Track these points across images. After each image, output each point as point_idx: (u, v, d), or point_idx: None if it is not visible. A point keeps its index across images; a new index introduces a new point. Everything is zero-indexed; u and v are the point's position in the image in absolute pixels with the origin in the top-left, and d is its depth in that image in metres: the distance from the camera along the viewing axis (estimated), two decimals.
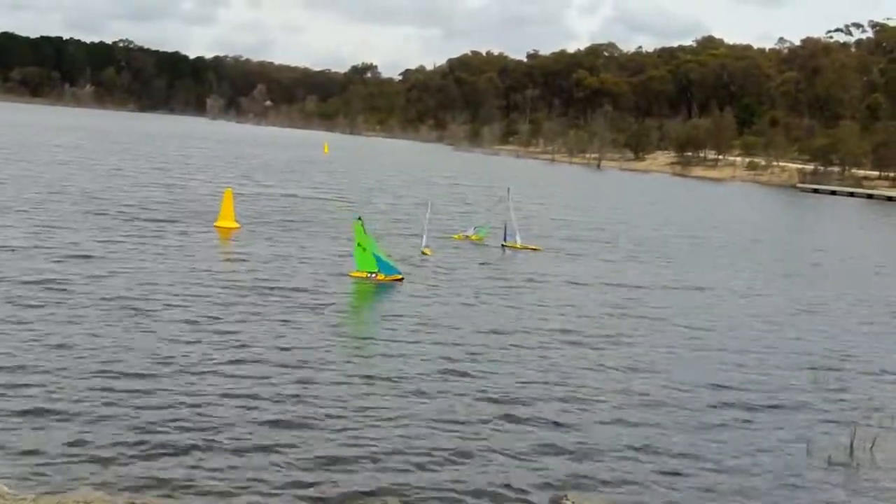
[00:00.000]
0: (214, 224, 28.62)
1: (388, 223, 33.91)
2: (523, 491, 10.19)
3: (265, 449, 10.60)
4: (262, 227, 29.49)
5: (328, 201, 40.48)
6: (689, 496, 10.46)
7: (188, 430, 10.94)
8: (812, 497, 10.78)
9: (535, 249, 29.56)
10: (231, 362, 13.80)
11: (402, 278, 21.67)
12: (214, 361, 13.75)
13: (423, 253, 26.56)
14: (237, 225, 28.68)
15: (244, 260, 23.06)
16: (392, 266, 21.88)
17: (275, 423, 11.43)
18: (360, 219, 22.05)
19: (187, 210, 32.15)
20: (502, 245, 29.84)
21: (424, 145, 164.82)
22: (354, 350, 15.28)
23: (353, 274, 21.76)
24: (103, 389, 12.02)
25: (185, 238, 25.58)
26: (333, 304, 18.70)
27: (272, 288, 19.51)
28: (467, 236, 30.92)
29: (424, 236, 27.42)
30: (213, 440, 10.70)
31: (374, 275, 21.51)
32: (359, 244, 21.69)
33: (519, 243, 29.93)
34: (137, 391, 12.07)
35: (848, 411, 14.09)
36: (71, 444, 10.25)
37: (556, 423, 12.34)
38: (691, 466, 11.26)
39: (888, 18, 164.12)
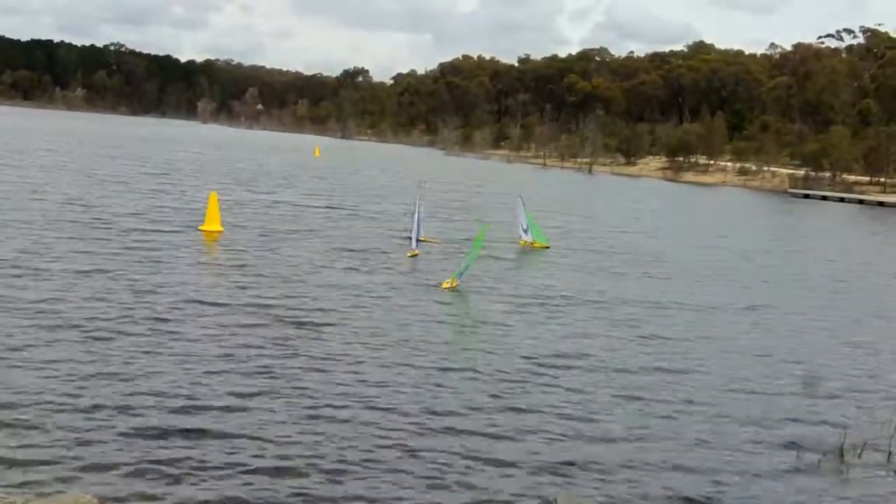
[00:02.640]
0: (199, 228, 28.52)
1: (376, 226, 33.91)
2: (516, 493, 10.23)
3: (249, 459, 10.56)
4: (248, 231, 29.40)
5: (314, 207, 40.23)
6: (678, 500, 10.43)
7: (179, 436, 10.94)
8: (802, 501, 10.75)
9: (433, 242, 29.39)
10: (216, 370, 13.76)
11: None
12: (198, 371, 13.71)
13: (413, 254, 26.76)
14: (222, 228, 28.58)
15: (226, 264, 22.98)
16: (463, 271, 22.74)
17: (253, 434, 11.38)
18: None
19: (174, 213, 32.09)
20: (418, 239, 29.27)
21: (416, 149, 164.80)
22: (341, 360, 15.22)
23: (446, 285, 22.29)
24: (93, 397, 11.99)
25: (169, 241, 25.52)
26: (315, 309, 18.64)
27: (252, 294, 19.42)
28: (531, 242, 31.52)
29: (413, 238, 27.40)
30: (203, 449, 10.69)
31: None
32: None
33: (422, 235, 29.83)
34: (125, 400, 12.03)
35: (838, 417, 14.09)
36: (61, 450, 10.23)
37: (550, 429, 12.33)
38: (680, 471, 11.25)
39: (879, 24, 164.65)
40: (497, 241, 31.81)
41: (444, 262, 26.11)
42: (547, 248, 31.55)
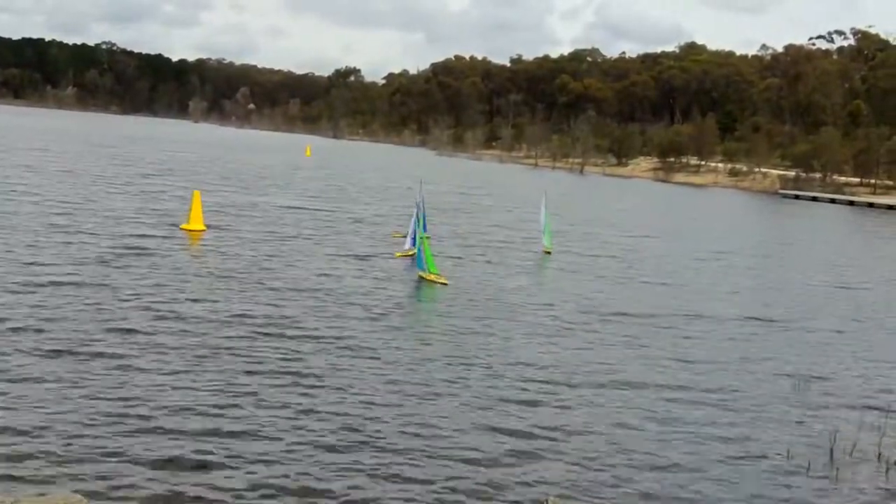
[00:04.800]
0: (182, 227, 28.25)
1: (366, 227, 33.83)
2: (509, 491, 10.25)
3: (218, 462, 10.49)
4: (231, 231, 28.94)
5: (303, 208, 39.84)
6: (667, 501, 10.40)
7: (167, 436, 10.91)
8: (792, 503, 10.72)
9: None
10: (200, 375, 13.71)
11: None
12: (182, 371, 13.67)
13: (405, 255, 26.70)
14: (204, 228, 28.28)
15: (208, 267, 22.58)
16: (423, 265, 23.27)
17: (232, 436, 11.31)
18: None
19: (157, 212, 31.90)
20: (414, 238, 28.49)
21: (407, 149, 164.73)
22: (324, 362, 15.15)
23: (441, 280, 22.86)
24: (82, 399, 11.96)
25: (151, 241, 25.20)
26: (297, 316, 18.54)
27: (229, 300, 18.94)
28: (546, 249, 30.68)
29: (409, 238, 27.12)
30: (192, 450, 10.66)
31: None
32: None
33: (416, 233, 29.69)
34: (114, 403, 11.98)
35: (828, 418, 14.07)
36: (50, 450, 10.19)
37: (543, 429, 12.32)
38: (671, 473, 11.22)
39: (870, 26, 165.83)
40: (500, 245, 31.73)
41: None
42: (548, 252, 30.66)
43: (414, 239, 27.31)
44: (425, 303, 20.66)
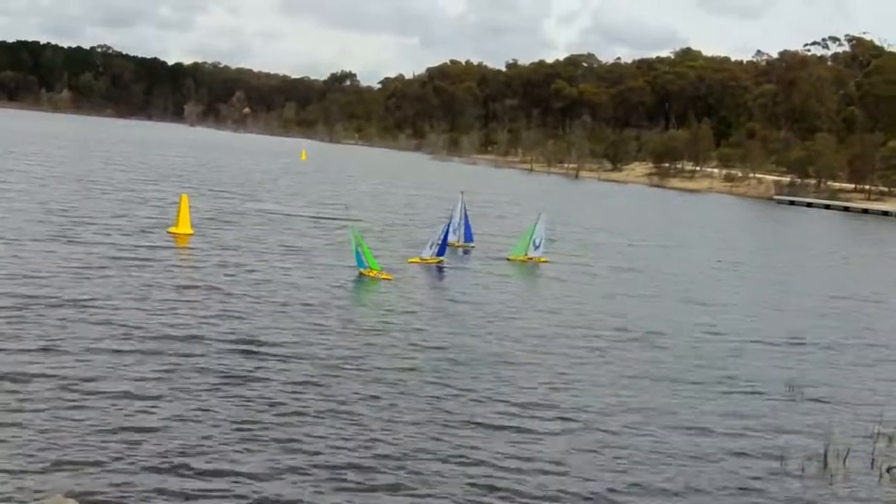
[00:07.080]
0: (169, 230, 27.93)
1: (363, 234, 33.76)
2: (502, 499, 10.19)
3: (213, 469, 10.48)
4: (220, 237, 28.33)
5: (296, 215, 38.97)
6: None
7: (159, 440, 10.86)
8: None
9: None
10: (178, 368, 13.67)
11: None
12: (167, 375, 13.62)
13: (425, 261, 26.61)
14: (192, 231, 27.94)
15: (192, 270, 22.34)
16: (362, 262, 23.49)
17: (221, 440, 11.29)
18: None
19: (145, 216, 31.63)
20: (445, 245, 27.73)
21: (403, 154, 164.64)
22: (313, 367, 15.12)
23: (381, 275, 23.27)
24: (77, 400, 11.93)
25: (138, 244, 24.95)
26: (279, 331, 18.48)
27: (211, 310, 18.24)
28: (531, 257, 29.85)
29: (428, 248, 26.86)
30: (184, 456, 10.61)
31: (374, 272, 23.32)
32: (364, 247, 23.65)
33: (458, 242, 30.51)
34: (107, 404, 11.95)
35: (822, 424, 14.06)
36: (43, 454, 10.14)
37: (535, 434, 12.28)
38: (665, 479, 11.18)
39: (864, 32, 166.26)
40: (496, 251, 31.58)
41: (448, 275, 25.93)
42: (523, 261, 29.64)
43: (442, 247, 26.97)
44: (407, 314, 20.48)
